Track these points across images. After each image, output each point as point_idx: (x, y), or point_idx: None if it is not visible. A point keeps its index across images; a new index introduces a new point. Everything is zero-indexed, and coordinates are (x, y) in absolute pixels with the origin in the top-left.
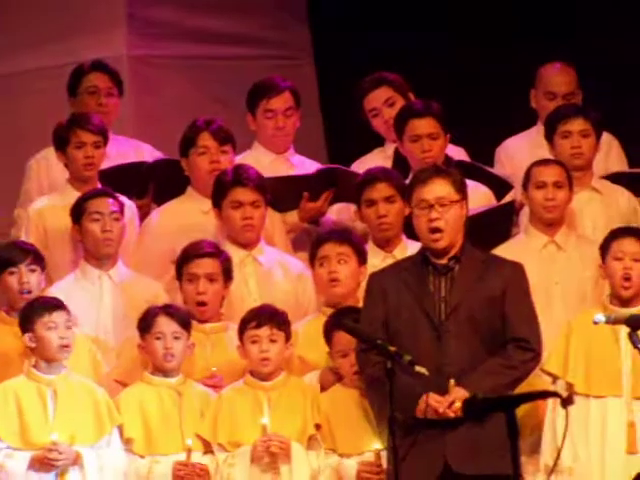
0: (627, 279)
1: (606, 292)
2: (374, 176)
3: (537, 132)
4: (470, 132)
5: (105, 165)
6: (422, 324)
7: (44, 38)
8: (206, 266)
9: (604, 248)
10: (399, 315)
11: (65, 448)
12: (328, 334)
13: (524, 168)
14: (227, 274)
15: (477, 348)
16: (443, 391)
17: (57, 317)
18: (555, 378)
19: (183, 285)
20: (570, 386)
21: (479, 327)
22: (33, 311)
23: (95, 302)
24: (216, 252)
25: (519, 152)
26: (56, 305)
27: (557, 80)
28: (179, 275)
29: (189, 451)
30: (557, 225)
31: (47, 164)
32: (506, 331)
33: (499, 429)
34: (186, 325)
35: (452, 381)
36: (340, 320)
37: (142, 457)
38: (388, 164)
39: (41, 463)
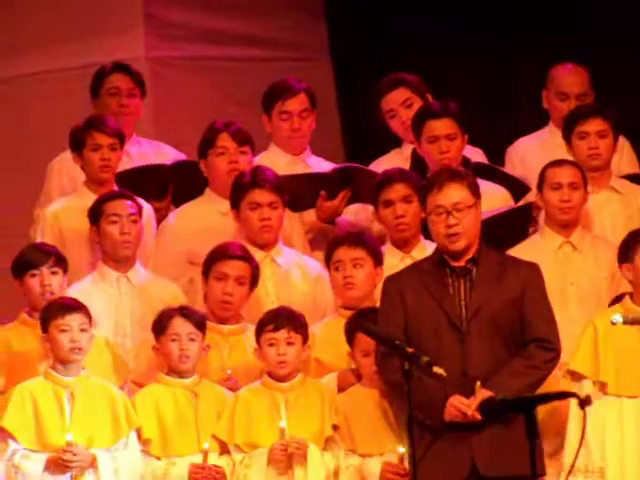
0: None
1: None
2: (391, 177)
3: (549, 133)
4: (485, 133)
5: (128, 165)
6: (444, 327)
7: (61, 40)
8: (238, 268)
9: (629, 248)
10: (419, 317)
11: (80, 449)
12: (350, 335)
13: (535, 169)
14: (254, 280)
15: (499, 349)
16: (468, 394)
17: (70, 320)
18: (581, 378)
19: (210, 282)
20: (601, 386)
21: (500, 328)
22: (49, 312)
23: (113, 304)
24: (248, 256)
25: (530, 153)
26: (71, 307)
27: (569, 81)
28: (206, 272)
29: (205, 453)
30: (572, 226)
31: (68, 165)
32: (526, 331)
33: (522, 430)
34: (201, 326)
35: (478, 383)
36: (358, 322)
37: (158, 458)
38: (405, 165)
39: (56, 465)
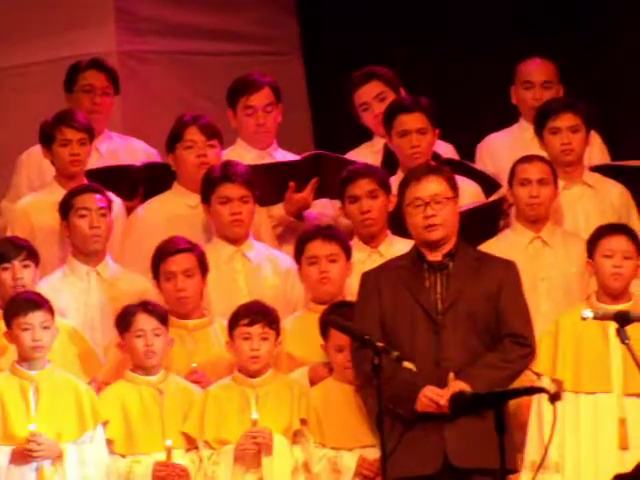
0: (617, 275)
1: (592, 288)
2: (356, 172)
3: (519, 128)
4: (456, 129)
5: (98, 162)
6: (420, 320)
7: (33, 34)
8: (182, 262)
9: (592, 244)
10: (395, 311)
11: (44, 439)
12: (324, 329)
13: (506, 165)
14: (203, 267)
15: (474, 343)
16: (441, 385)
17: (33, 318)
18: (540, 375)
19: (161, 284)
20: (558, 383)
21: (476, 322)
22: (11, 309)
23: (83, 298)
24: (190, 247)
25: (501, 148)
26: (34, 305)
27: (533, 69)
28: (156, 274)
29: (169, 451)
30: (543, 221)
31: (38, 159)
32: (501, 326)
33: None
34: (165, 321)
35: (451, 374)
36: (329, 316)
37: (123, 456)
38: (376, 158)
39: (21, 455)
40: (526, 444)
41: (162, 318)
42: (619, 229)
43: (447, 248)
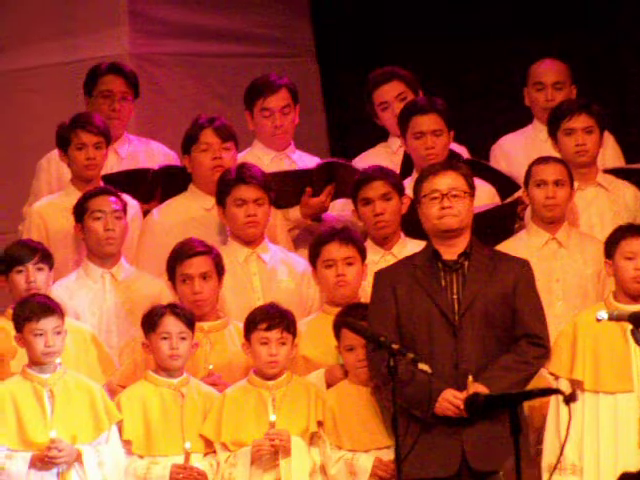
0: (639, 279)
1: (609, 289)
2: (370, 175)
3: (532, 129)
4: (469, 131)
5: (118, 166)
6: (437, 321)
7: (47, 36)
8: (199, 265)
9: (611, 245)
10: (411, 311)
11: (65, 445)
12: (337, 330)
13: (521, 166)
14: (220, 270)
15: (491, 343)
16: (460, 387)
17: (45, 324)
18: (558, 377)
19: (178, 286)
20: (577, 383)
21: (492, 323)
22: (23, 314)
23: (98, 300)
24: (207, 250)
25: (515, 150)
26: (46, 310)
27: (544, 70)
28: (172, 276)
29: (187, 454)
30: (558, 223)
31: (57, 164)
32: (517, 327)
33: None
34: (191, 325)
35: (470, 377)
36: (344, 318)
37: (141, 457)
38: (392, 159)
39: (42, 462)
40: (543, 447)
41: (189, 322)
42: (639, 230)
43: (461, 247)
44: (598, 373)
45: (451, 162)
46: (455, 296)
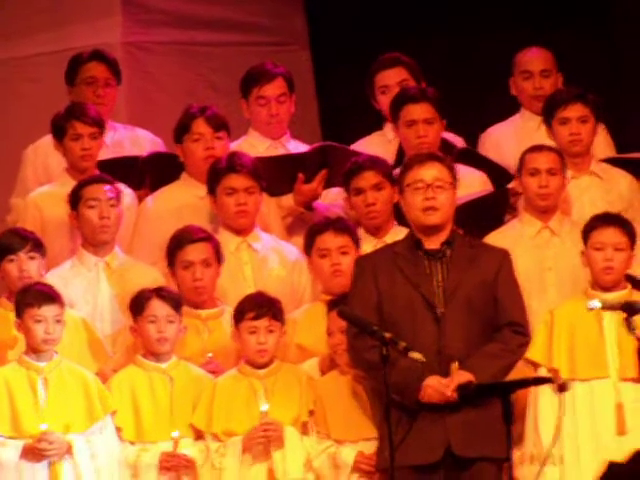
0: (609, 268)
1: (579, 277)
2: (361, 165)
3: (521, 118)
4: (459, 121)
5: (103, 153)
6: (420, 308)
7: (39, 25)
8: (201, 251)
9: (585, 236)
10: (393, 298)
11: (55, 438)
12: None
13: (511, 155)
14: (219, 257)
15: (474, 331)
16: (443, 373)
17: (46, 311)
18: (536, 366)
19: (178, 272)
20: (554, 372)
21: (475, 310)
22: (25, 299)
23: (92, 289)
24: (208, 236)
25: (504, 139)
26: (48, 298)
27: (531, 58)
28: (171, 262)
29: (176, 442)
30: (551, 211)
31: (44, 152)
32: (499, 315)
33: (497, 413)
34: (178, 308)
35: (455, 364)
36: (337, 307)
37: (132, 443)
38: (387, 147)
39: (32, 453)
40: (525, 436)
41: (176, 305)
42: (611, 220)
43: (444, 236)
44: (574, 361)
45: (434, 153)
46: (438, 284)
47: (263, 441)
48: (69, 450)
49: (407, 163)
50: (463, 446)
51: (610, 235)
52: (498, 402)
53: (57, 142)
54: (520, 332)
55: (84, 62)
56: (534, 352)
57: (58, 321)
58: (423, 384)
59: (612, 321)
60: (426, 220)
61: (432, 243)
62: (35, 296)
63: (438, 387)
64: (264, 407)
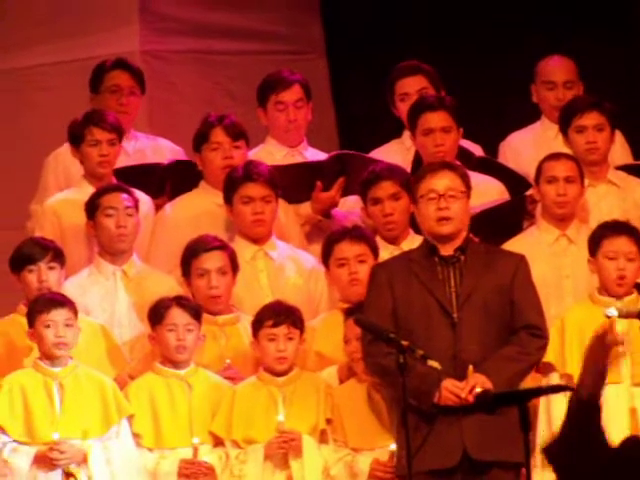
0: (621, 278)
1: (594, 285)
2: (378, 174)
3: (541, 126)
4: (477, 129)
5: (125, 162)
6: (435, 314)
7: (57, 33)
8: (216, 260)
9: (594, 243)
10: (410, 305)
11: (67, 447)
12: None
13: (530, 163)
14: (235, 265)
15: (490, 335)
16: (459, 378)
17: (55, 315)
18: (549, 372)
19: (193, 280)
20: (567, 378)
21: (490, 314)
22: (35, 307)
23: (109, 297)
24: (223, 245)
25: (523, 147)
26: (56, 303)
27: (554, 69)
28: (186, 271)
29: (195, 449)
30: (569, 219)
31: (65, 160)
32: (516, 318)
33: (512, 417)
34: (198, 317)
35: (471, 367)
36: (354, 315)
37: (151, 450)
38: (405, 156)
39: (44, 461)
40: (537, 441)
41: (196, 314)
42: (622, 229)
43: (458, 242)
44: None
45: (448, 162)
46: (453, 289)
47: (281, 451)
48: (84, 459)
49: (419, 173)
50: (479, 449)
51: (622, 244)
52: (514, 407)
53: (74, 149)
54: (537, 335)
55: (108, 70)
56: (550, 355)
57: (68, 325)
58: (440, 387)
59: (624, 326)
60: (440, 230)
61: (446, 249)
62: (44, 303)
63: (453, 390)
64: (280, 417)
